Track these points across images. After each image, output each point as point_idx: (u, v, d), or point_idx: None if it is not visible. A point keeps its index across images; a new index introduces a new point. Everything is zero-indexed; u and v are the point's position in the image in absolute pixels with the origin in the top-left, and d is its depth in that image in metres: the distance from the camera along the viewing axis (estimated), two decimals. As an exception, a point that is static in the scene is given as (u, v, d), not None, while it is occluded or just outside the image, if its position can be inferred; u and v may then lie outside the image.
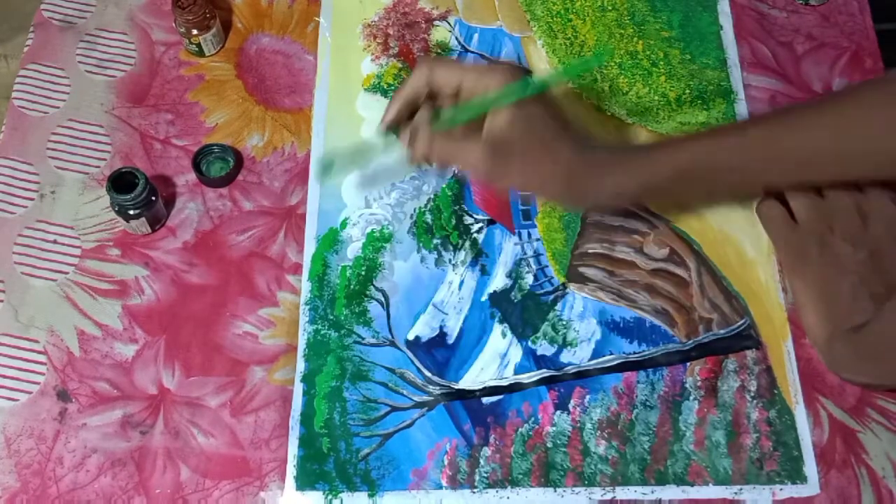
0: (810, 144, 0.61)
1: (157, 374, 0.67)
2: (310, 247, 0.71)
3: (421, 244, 0.72)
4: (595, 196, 0.62)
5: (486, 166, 0.59)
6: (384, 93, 0.78)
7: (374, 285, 0.70)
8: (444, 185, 0.74)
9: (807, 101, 0.65)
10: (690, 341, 0.68)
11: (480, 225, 0.73)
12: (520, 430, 0.66)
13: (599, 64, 0.55)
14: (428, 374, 0.67)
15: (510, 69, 0.59)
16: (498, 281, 0.71)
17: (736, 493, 0.64)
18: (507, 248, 0.72)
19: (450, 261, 0.71)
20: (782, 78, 0.79)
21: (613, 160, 0.62)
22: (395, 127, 0.62)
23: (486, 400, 0.67)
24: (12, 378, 0.66)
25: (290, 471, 0.64)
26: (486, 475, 0.64)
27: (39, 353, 0.67)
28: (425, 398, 0.66)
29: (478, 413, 0.66)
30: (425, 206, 0.73)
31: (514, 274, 0.71)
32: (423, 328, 0.69)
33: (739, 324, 0.69)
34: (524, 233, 0.72)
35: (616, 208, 0.63)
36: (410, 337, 0.69)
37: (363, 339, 0.68)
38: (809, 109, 0.63)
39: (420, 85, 0.61)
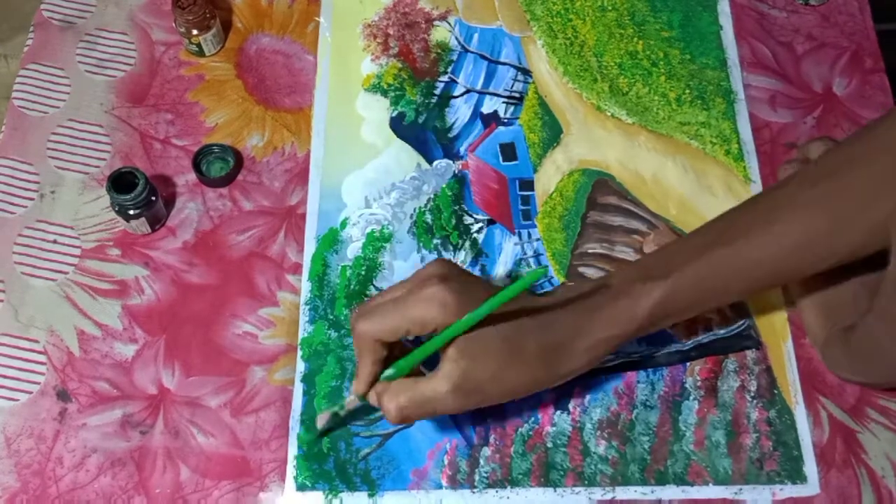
0: (768, 257, 0.58)
1: (157, 374, 0.67)
2: (310, 247, 0.71)
3: (421, 244, 0.72)
4: (571, 370, 0.58)
5: (457, 401, 0.56)
6: (384, 93, 0.78)
7: (374, 285, 0.70)
8: (443, 185, 0.74)
9: (739, 209, 0.61)
10: (690, 341, 0.68)
11: (480, 225, 0.73)
12: (520, 429, 0.66)
13: (525, 287, 0.54)
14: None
15: (442, 298, 0.54)
16: (498, 281, 0.71)
17: (736, 493, 0.64)
18: (507, 248, 0.72)
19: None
20: (782, 78, 0.79)
21: (576, 331, 0.58)
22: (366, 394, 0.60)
23: (486, 400, 0.66)
24: (12, 378, 0.66)
25: (290, 471, 0.64)
26: (485, 475, 0.64)
27: (39, 352, 0.67)
28: (425, 398, 0.66)
29: (478, 413, 0.66)
30: (425, 206, 0.73)
31: (515, 274, 0.71)
32: (423, 328, 0.69)
33: (739, 324, 0.69)
34: (524, 233, 0.72)
35: (592, 366, 0.59)
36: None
37: (363, 339, 0.68)
38: (746, 228, 0.59)
39: (376, 349, 0.57)
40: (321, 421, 0.63)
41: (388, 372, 0.58)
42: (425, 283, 0.56)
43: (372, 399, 0.59)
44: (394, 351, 0.59)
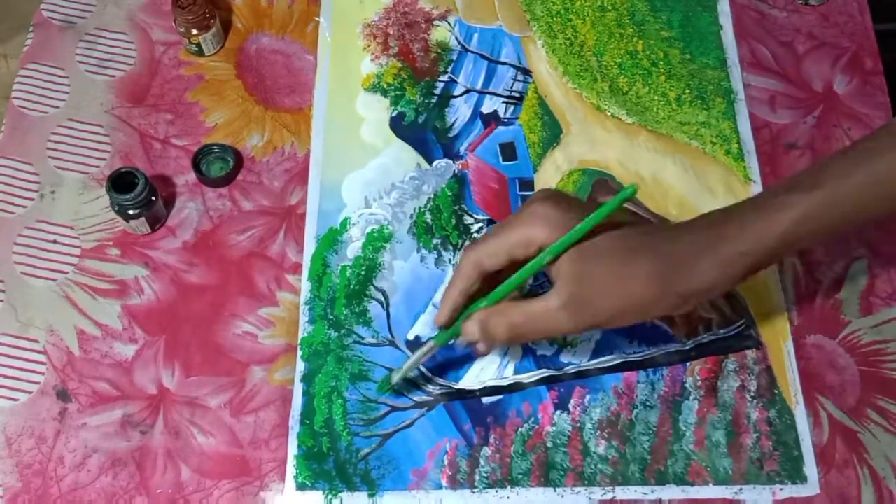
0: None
1: (157, 373, 0.67)
2: (310, 246, 0.71)
3: (421, 244, 0.72)
4: (699, 289, 0.53)
5: (570, 320, 0.53)
6: (384, 92, 0.78)
7: (373, 285, 0.70)
8: (443, 185, 0.74)
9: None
10: (690, 341, 0.68)
11: (480, 225, 0.73)
12: (520, 429, 0.66)
13: (632, 195, 0.52)
14: (428, 373, 0.67)
15: (540, 204, 0.54)
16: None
17: (736, 493, 0.64)
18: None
19: (450, 261, 0.71)
20: (782, 78, 0.79)
21: (702, 244, 0.53)
22: (453, 328, 0.58)
23: (486, 400, 0.67)
24: (12, 378, 0.66)
25: (290, 470, 0.64)
26: (486, 475, 0.64)
27: (39, 352, 0.67)
28: (425, 398, 0.66)
29: (478, 413, 0.66)
30: (425, 205, 0.73)
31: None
32: (423, 328, 0.69)
33: (739, 324, 0.69)
34: (524, 233, 0.72)
35: (726, 289, 0.54)
36: (410, 337, 0.69)
37: (363, 339, 0.68)
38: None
39: (472, 278, 0.55)
40: (396, 375, 0.63)
41: (483, 302, 0.55)
42: (529, 204, 0.54)
43: (469, 329, 0.56)
44: (485, 289, 0.56)
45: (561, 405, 0.66)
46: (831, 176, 0.52)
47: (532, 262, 0.53)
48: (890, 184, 0.52)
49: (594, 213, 0.52)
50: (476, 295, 0.56)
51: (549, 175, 0.75)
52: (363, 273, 0.71)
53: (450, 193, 0.74)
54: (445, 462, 0.64)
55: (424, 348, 0.60)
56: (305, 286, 0.70)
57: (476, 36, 0.81)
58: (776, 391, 0.67)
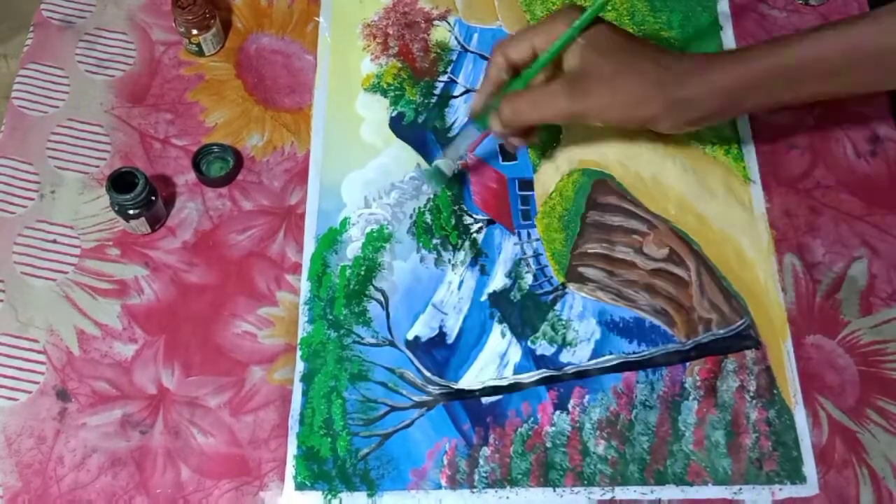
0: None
1: (157, 373, 0.67)
2: (309, 246, 0.71)
3: (420, 244, 0.72)
4: (689, 104, 0.61)
5: (566, 101, 0.61)
6: (384, 92, 0.78)
7: (373, 285, 0.70)
8: (443, 185, 0.74)
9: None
10: (690, 341, 0.68)
11: (480, 225, 0.73)
12: (519, 429, 0.66)
13: None
14: (427, 373, 0.67)
15: (567, 11, 0.61)
16: (497, 281, 0.71)
17: (735, 493, 0.64)
18: (507, 248, 0.72)
19: (449, 261, 0.71)
20: (782, 78, 0.79)
21: (702, 65, 0.61)
22: (483, 115, 0.66)
23: (485, 400, 0.67)
24: (12, 377, 0.66)
25: (290, 470, 0.64)
26: (485, 475, 0.64)
27: (39, 352, 0.67)
28: (425, 398, 0.66)
29: (477, 413, 0.66)
30: (425, 206, 0.73)
31: (514, 274, 0.71)
32: (422, 328, 0.69)
33: (739, 324, 0.69)
34: (524, 233, 0.72)
35: (710, 119, 0.63)
36: (410, 337, 0.69)
37: (363, 338, 0.68)
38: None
39: (501, 67, 0.63)
40: (448, 167, 0.70)
41: (511, 87, 0.63)
42: (559, 12, 0.62)
43: (493, 121, 0.64)
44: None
45: (560, 405, 0.66)
46: (803, 37, 0.61)
47: (549, 49, 0.61)
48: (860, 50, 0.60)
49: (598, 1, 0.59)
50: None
51: (549, 175, 0.75)
52: (363, 273, 0.71)
53: (449, 193, 0.74)
54: (445, 462, 0.64)
55: (466, 131, 0.68)
56: (305, 286, 0.70)
57: (476, 36, 0.81)
58: (775, 391, 0.67)
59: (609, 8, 0.81)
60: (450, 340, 0.69)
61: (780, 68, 0.61)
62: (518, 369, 0.67)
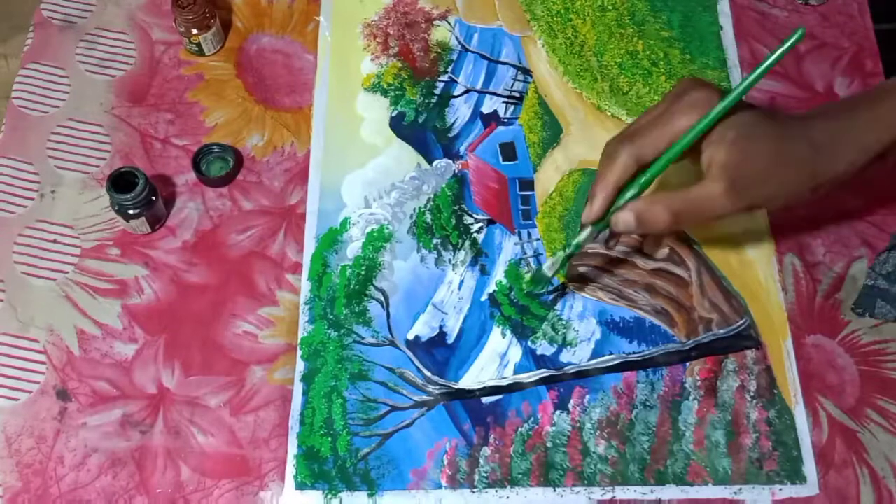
0: None
1: (157, 373, 0.67)
2: (310, 246, 0.71)
3: (421, 244, 0.72)
4: (836, 172, 0.57)
5: (729, 201, 0.56)
6: (384, 92, 0.78)
7: (373, 285, 0.70)
8: (443, 185, 0.74)
9: None
10: (690, 341, 0.68)
11: (480, 225, 0.73)
12: (519, 429, 0.66)
13: (795, 43, 0.55)
14: (428, 373, 0.67)
15: (699, 95, 0.55)
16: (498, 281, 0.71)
17: (735, 493, 0.64)
18: (507, 248, 0.72)
19: (449, 261, 0.71)
20: (783, 78, 0.79)
21: (842, 131, 0.57)
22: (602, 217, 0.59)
23: (485, 400, 0.67)
24: (12, 377, 0.66)
25: (290, 470, 0.64)
26: (485, 475, 0.64)
27: (39, 352, 0.67)
28: (425, 398, 0.66)
29: (477, 413, 0.66)
30: (425, 205, 0.73)
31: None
32: (422, 328, 0.69)
33: (739, 324, 0.69)
34: (524, 233, 0.72)
35: (851, 176, 0.58)
36: (410, 336, 0.69)
37: (363, 338, 0.68)
38: None
39: (631, 169, 0.57)
40: (551, 268, 0.64)
41: (631, 192, 0.57)
42: (686, 91, 0.56)
43: (624, 219, 0.57)
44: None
45: (561, 405, 0.66)
46: None
47: (679, 142, 0.55)
48: None
49: (749, 76, 0.54)
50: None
51: (550, 175, 0.75)
52: (363, 273, 0.71)
53: (450, 193, 0.74)
54: (445, 462, 0.64)
55: (583, 236, 0.60)
56: (305, 286, 0.70)
57: (476, 36, 0.81)
58: (776, 391, 0.67)
59: (609, 7, 0.81)
60: (450, 340, 0.69)
61: None
62: (518, 369, 0.67)
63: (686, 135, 0.55)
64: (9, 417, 0.65)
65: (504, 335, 0.69)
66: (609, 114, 0.77)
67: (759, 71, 0.54)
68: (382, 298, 0.70)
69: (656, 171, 0.57)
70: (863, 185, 0.74)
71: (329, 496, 0.63)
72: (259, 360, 0.68)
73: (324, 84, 0.78)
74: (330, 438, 0.65)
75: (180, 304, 0.69)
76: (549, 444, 0.65)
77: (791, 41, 0.52)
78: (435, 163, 0.75)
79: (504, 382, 0.67)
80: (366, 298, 0.70)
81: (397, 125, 0.77)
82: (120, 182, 0.68)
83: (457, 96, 0.78)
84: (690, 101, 0.56)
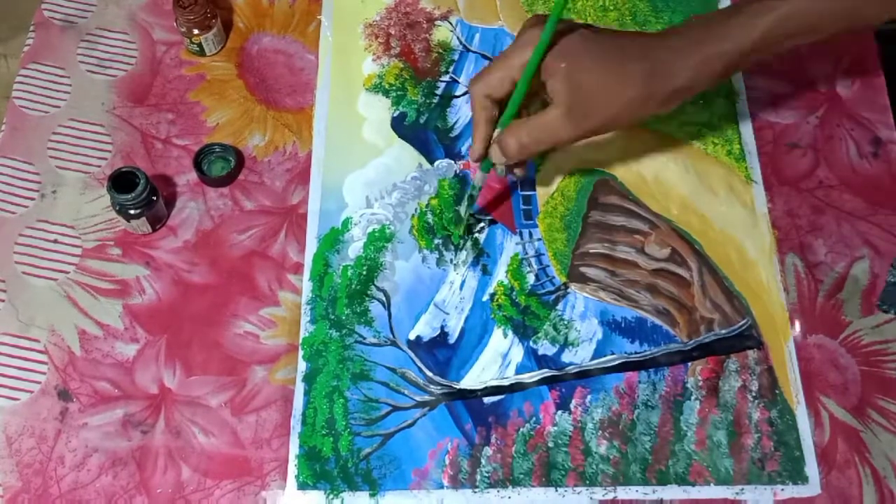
0: None
1: (159, 373, 0.67)
2: (311, 246, 0.71)
3: (422, 244, 0.72)
4: (685, 90, 0.59)
5: (569, 128, 0.60)
6: (385, 92, 0.78)
7: (375, 285, 0.70)
8: (445, 185, 0.74)
9: None
10: (692, 341, 0.68)
11: (482, 225, 0.73)
12: (521, 429, 0.66)
13: None
14: (429, 373, 0.67)
15: (530, 30, 0.59)
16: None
17: (737, 494, 0.64)
18: (509, 248, 0.72)
19: (451, 260, 0.71)
20: (783, 78, 0.79)
21: (684, 46, 0.59)
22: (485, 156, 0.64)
23: (487, 400, 0.66)
24: (13, 377, 0.66)
25: (292, 470, 0.64)
26: (487, 475, 0.64)
27: (40, 352, 0.67)
28: (427, 398, 0.66)
29: (479, 413, 0.66)
30: (427, 205, 0.73)
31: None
32: (424, 328, 0.69)
33: (741, 324, 0.69)
34: (525, 232, 0.72)
35: (703, 88, 0.60)
36: (412, 337, 0.69)
37: (364, 338, 0.68)
38: None
39: (486, 107, 0.62)
40: (463, 209, 0.69)
41: (498, 129, 0.62)
42: (522, 31, 0.60)
43: (494, 155, 0.63)
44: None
45: (562, 405, 0.66)
46: None
47: (523, 76, 0.58)
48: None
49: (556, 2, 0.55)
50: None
51: (551, 175, 0.75)
52: (364, 273, 0.70)
53: (451, 193, 0.74)
54: (447, 462, 0.64)
55: (477, 176, 0.66)
56: (307, 286, 0.70)
57: (478, 36, 0.81)
58: (777, 391, 0.67)
59: (611, 7, 0.81)
60: (452, 340, 0.68)
61: (778, 22, 0.57)
62: (520, 369, 0.67)
63: (525, 73, 0.58)
64: (9, 417, 0.65)
65: (506, 335, 0.69)
66: (610, 114, 0.77)
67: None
68: (384, 298, 0.70)
69: (511, 110, 0.61)
70: (865, 185, 0.74)
71: (331, 496, 0.63)
72: (260, 360, 0.68)
73: (325, 84, 0.78)
74: (332, 438, 0.65)
75: (182, 304, 0.69)
76: (550, 444, 0.65)
77: None
78: (436, 163, 0.75)
79: (506, 382, 0.67)
80: (367, 298, 0.70)
81: (399, 125, 0.77)
82: (121, 182, 0.68)
83: (458, 96, 0.78)
84: (525, 38, 0.59)
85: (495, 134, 0.62)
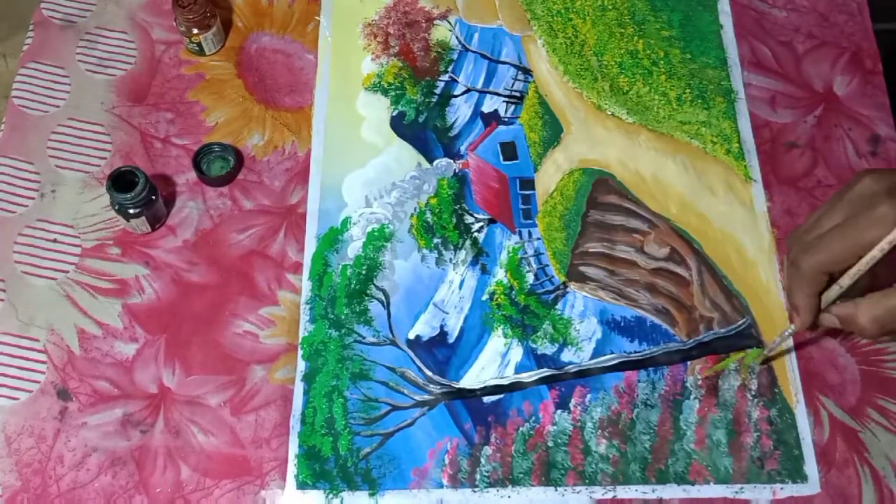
0: None
1: (158, 372, 0.67)
2: (310, 246, 0.71)
3: (421, 243, 0.72)
4: None
5: None
6: (384, 92, 0.78)
7: (374, 284, 0.70)
8: (444, 185, 0.74)
9: None
10: (691, 340, 0.68)
11: (481, 224, 0.73)
12: (521, 429, 0.66)
13: None
14: (429, 373, 0.67)
15: (886, 211, 0.52)
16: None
17: (737, 492, 0.64)
18: (508, 248, 0.72)
19: (450, 260, 0.71)
20: (782, 77, 0.79)
21: None
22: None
23: (486, 399, 0.67)
24: (13, 377, 0.66)
25: (291, 470, 0.64)
26: (486, 474, 0.64)
27: (40, 351, 0.67)
28: (426, 397, 0.66)
29: (479, 412, 0.66)
30: (426, 205, 0.73)
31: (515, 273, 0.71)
32: (423, 327, 0.69)
33: (740, 323, 0.69)
34: (525, 232, 0.72)
35: None
36: (411, 336, 0.69)
37: (364, 338, 0.68)
38: None
39: (823, 282, 0.57)
40: (770, 351, 0.65)
41: (832, 293, 0.57)
42: (872, 203, 0.53)
43: (829, 322, 0.58)
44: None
45: (562, 404, 0.66)
46: None
47: (872, 257, 0.53)
48: None
49: None
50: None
51: (550, 174, 0.75)
52: (364, 272, 0.70)
53: (450, 192, 0.74)
54: (446, 461, 0.64)
55: (788, 335, 0.62)
56: (306, 285, 0.70)
57: (476, 35, 0.81)
58: (777, 390, 0.67)
59: (609, 7, 0.81)
60: (451, 339, 0.68)
61: None
62: (519, 368, 0.67)
63: (880, 250, 0.53)
64: (9, 417, 0.65)
65: (505, 334, 0.69)
66: (609, 113, 0.77)
67: None
68: (383, 298, 0.70)
69: (848, 283, 0.56)
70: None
71: (330, 495, 0.63)
72: (260, 359, 0.68)
73: (324, 83, 0.78)
74: (331, 438, 0.65)
75: (181, 303, 0.69)
76: (550, 444, 0.65)
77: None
78: (435, 162, 0.75)
79: (505, 382, 0.67)
80: (367, 298, 0.70)
81: (398, 125, 0.77)
82: (120, 181, 0.68)
83: (457, 96, 0.78)
84: (879, 215, 0.53)
85: (837, 308, 0.57)
